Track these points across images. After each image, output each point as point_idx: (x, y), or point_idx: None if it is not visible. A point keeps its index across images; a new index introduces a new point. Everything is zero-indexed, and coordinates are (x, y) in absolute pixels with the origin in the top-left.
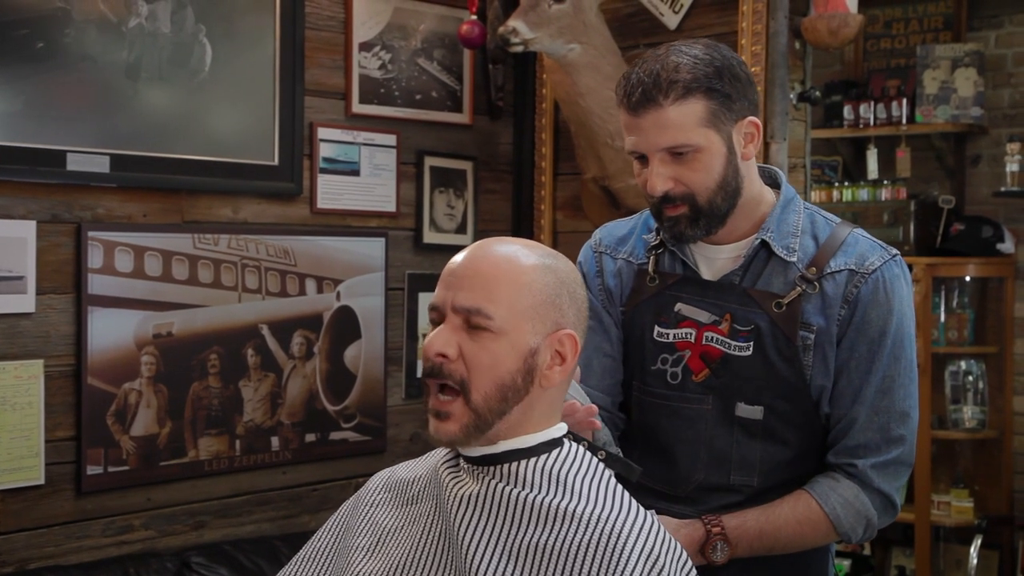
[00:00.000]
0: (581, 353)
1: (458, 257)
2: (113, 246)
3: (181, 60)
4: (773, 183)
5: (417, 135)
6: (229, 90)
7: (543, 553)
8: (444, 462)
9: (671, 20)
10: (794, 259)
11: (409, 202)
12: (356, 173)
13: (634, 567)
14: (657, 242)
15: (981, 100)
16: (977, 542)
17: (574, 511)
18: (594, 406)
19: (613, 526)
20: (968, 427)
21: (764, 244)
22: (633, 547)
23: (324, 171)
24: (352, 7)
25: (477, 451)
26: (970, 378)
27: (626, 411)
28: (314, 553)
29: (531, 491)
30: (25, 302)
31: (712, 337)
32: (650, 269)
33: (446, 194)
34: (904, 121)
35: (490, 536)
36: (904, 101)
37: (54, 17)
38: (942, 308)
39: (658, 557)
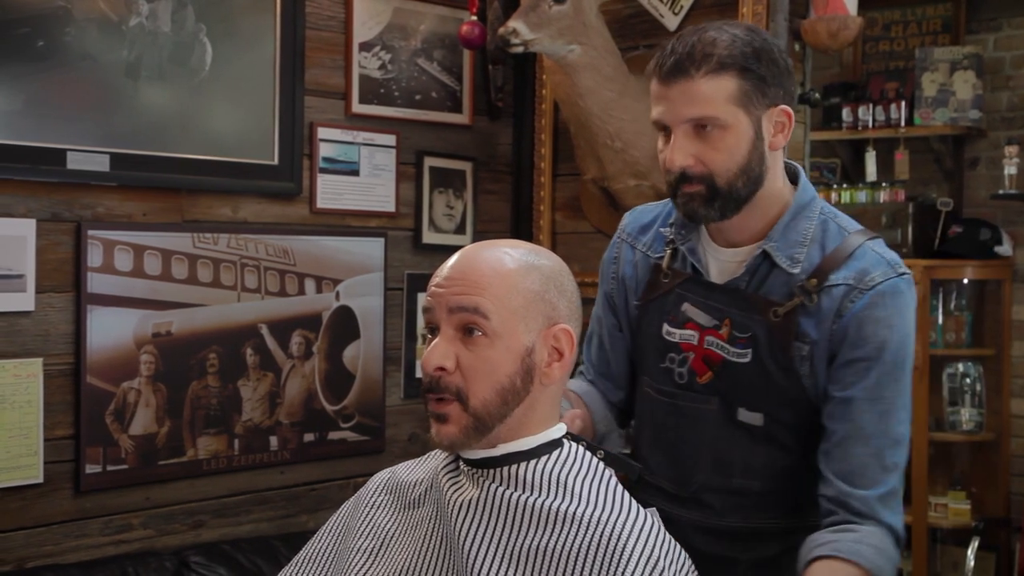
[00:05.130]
0: (590, 340)
1: (445, 265)
2: (112, 245)
3: (181, 59)
4: (793, 179)
5: (417, 135)
6: (229, 90)
7: (544, 556)
8: (444, 466)
9: (671, 22)
10: (797, 270)
11: (408, 202)
12: (356, 173)
13: (634, 570)
14: (674, 236)
15: (979, 103)
16: (974, 544)
17: (574, 513)
18: (578, 411)
19: (613, 528)
20: (965, 429)
21: (766, 254)
22: (633, 549)
23: (324, 171)
24: (352, 7)
25: (477, 454)
26: (967, 380)
27: (630, 404)
28: (315, 554)
29: (531, 494)
30: (24, 300)
31: (713, 341)
32: (664, 265)
33: (445, 194)
34: (903, 123)
35: (490, 540)
36: (903, 103)
37: (55, 16)
38: (940, 310)
39: (658, 560)
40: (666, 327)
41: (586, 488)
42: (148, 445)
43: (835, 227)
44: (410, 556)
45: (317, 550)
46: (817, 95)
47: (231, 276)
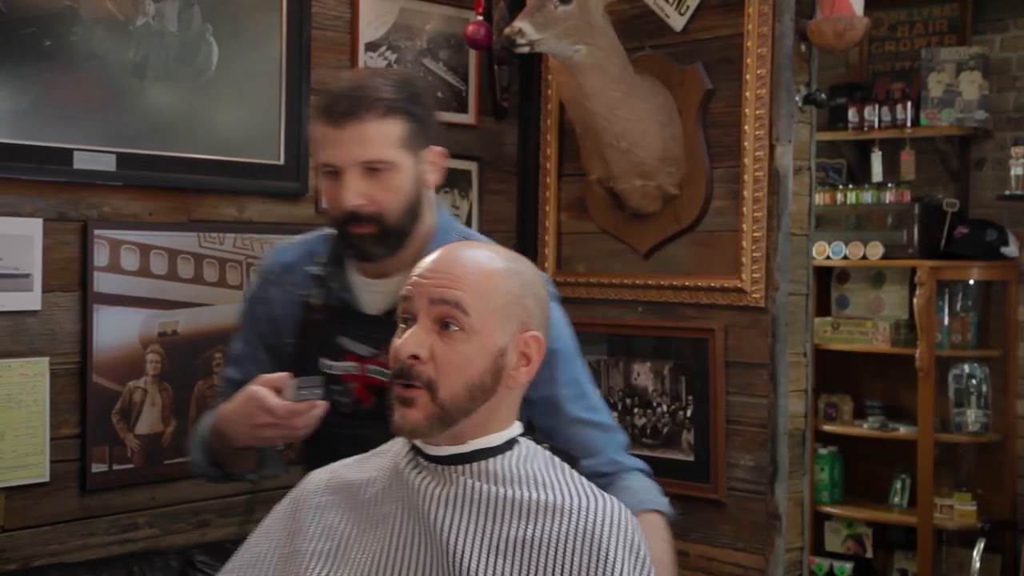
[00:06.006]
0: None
1: (428, 258)
2: (119, 244)
3: (188, 59)
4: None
5: None
6: (235, 89)
7: (529, 546)
8: (406, 464)
9: (677, 22)
10: None
11: None
12: None
13: (616, 554)
14: (322, 273)
15: (986, 103)
16: (980, 546)
17: (553, 503)
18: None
19: (594, 516)
20: (971, 430)
21: None
22: (613, 535)
23: None
24: (358, 7)
25: (446, 451)
26: (973, 381)
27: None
28: (254, 560)
29: (506, 487)
30: (31, 300)
31: (375, 369)
32: (314, 302)
33: (451, 194)
34: (908, 124)
35: (475, 534)
36: (909, 104)
37: (61, 15)
38: (946, 311)
39: (635, 541)
40: (324, 362)
41: (555, 478)
42: (154, 444)
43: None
44: (376, 555)
45: (256, 556)
46: (823, 95)
47: (237, 276)
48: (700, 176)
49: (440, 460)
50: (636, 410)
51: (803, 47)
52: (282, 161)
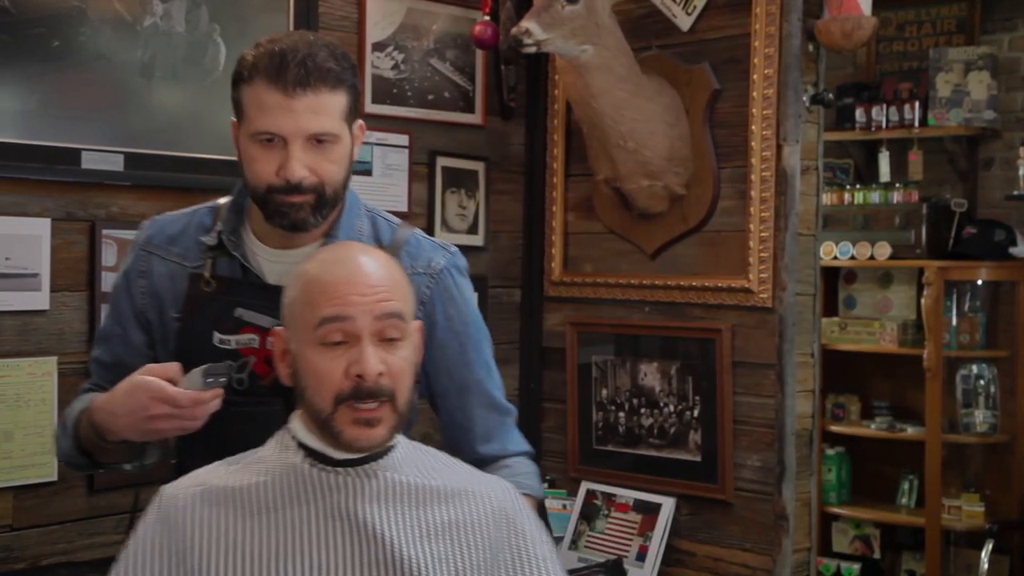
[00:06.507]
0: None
1: (347, 271)
2: (127, 244)
3: (195, 59)
4: None
5: (429, 135)
6: None
7: (456, 528)
8: (310, 467)
9: (684, 22)
10: None
11: (421, 202)
12: (368, 173)
13: (527, 526)
14: (216, 243)
15: (994, 103)
16: (988, 547)
17: (464, 489)
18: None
19: (500, 497)
20: (979, 431)
21: None
22: (520, 512)
23: None
24: (365, 7)
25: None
26: (981, 382)
27: None
28: None
29: (419, 477)
30: (39, 299)
31: None
32: (206, 273)
33: (458, 194)
34: (916, 124)
35: (407, 523)
36: (916, 104)
37: (69, 16)
38: (954, 311)
39: (531, 513)
40: (218, 336)
41: (446, 465)
42: (160, 443)
43: (383, 221)
44: (296, 559)
45: None
46: (830, 95)
47: None
48: (707, 176)
49: (353, 462)
50: (643, 410)
51: (811, 47)
52: None
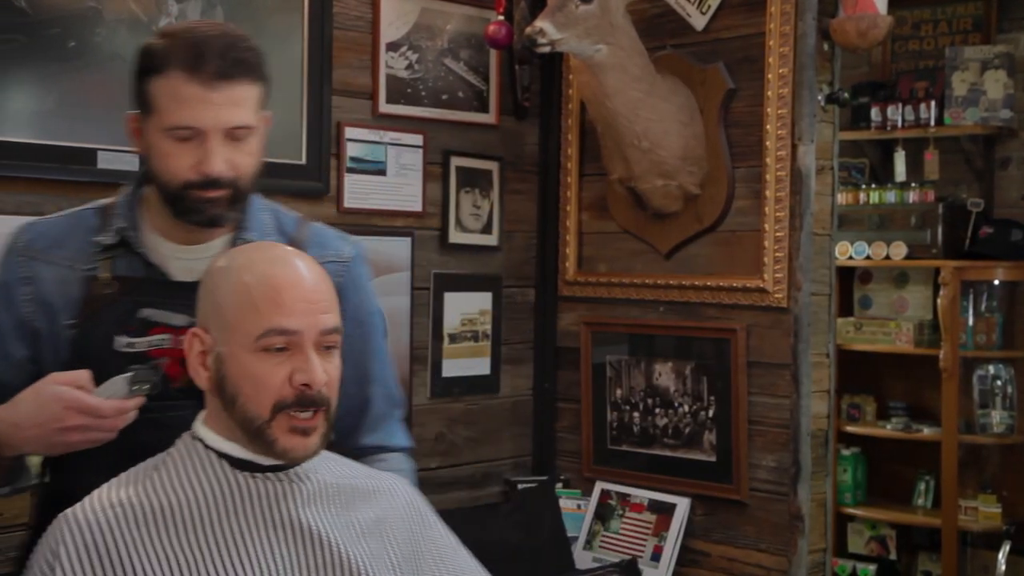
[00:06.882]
0: None
1: (290, 277)
2: None
3: None
4: None
5: (443, 135)
6: None
7: (382, 524)
8: (236, 477)
9: (698, 21)
10: None
11: (435, 202)
12: (383, 173)
13: (430, 517)
14: (116, 241)
15: (1011, 102)
16: (1005, 548)
17: (376, 487)
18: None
19: (405, 493)
20: (996, 432)
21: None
22: (423, 504)
23: (351, 171)
24: (380, 7)
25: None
26: (999, 382)
27: None
28: None
29: (338, 479)
30: None
31: None
32: (104, 274)
33: (472, 194)
34: (932, 123)
35: (343, 525)
36: (932, 103)
37: (85, 16)
38: (970, 312)
39: (427, 504)
40: (124, 339)
41: (349, 465)
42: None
43: (284, 214)
44: (247, 571)
45: None
46: (846, 95)
47: None
48: (722, 176)
49: (282, 466)
50: (658, 410)
51: (826, 46)
52: (304, 161)
